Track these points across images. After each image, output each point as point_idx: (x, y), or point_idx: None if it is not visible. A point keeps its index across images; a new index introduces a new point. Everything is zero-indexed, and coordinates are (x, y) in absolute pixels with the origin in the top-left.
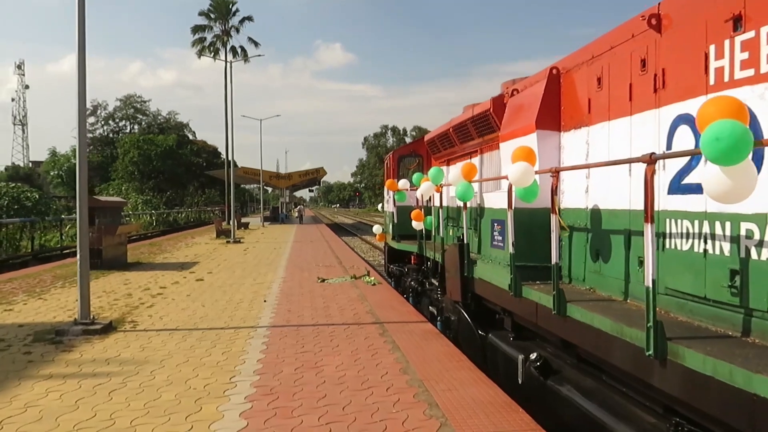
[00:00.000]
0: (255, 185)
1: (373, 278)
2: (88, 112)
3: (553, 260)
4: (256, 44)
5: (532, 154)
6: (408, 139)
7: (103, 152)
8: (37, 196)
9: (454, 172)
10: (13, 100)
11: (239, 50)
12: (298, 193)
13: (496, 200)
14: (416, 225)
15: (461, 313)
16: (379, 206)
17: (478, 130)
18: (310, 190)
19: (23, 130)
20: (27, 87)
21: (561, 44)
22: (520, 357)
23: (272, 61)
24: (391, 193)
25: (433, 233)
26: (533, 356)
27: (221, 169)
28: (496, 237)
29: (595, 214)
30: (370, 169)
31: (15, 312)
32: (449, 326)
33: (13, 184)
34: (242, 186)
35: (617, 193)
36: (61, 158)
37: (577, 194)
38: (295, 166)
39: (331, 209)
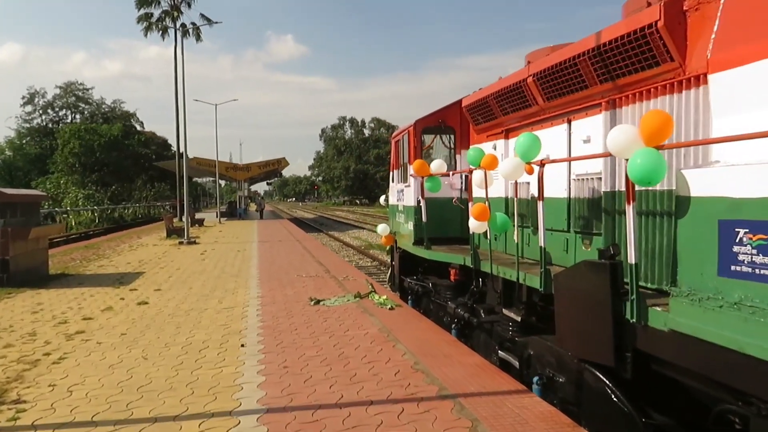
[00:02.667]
0: (209, 178)
1: (385, 297)
2: (24, 101)
3: None
4: (209, 21)
5: None
6: (367, 132)
7: (42, 143)
8: None
9: (617, 132)
10: None
11: (190, 27)
12: (253, 187)
13: (736, 185)
14: (476, 226)
15: (596, 378)
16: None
17: (607, 70)
18: (268, 183)
19: None
20: None
21: (514, 39)
22: None
23: (222, 52)
24: (412, 180)
25: (506, 238)
26: None
27: (171, 161)
28: (743, 258)
29: None
30: (328, 162)
31: None
32: (552, 389)
33: None
34: (195, 179)
35: None
36: None
37: None
38: (249, 160)
39: (288, 203)
